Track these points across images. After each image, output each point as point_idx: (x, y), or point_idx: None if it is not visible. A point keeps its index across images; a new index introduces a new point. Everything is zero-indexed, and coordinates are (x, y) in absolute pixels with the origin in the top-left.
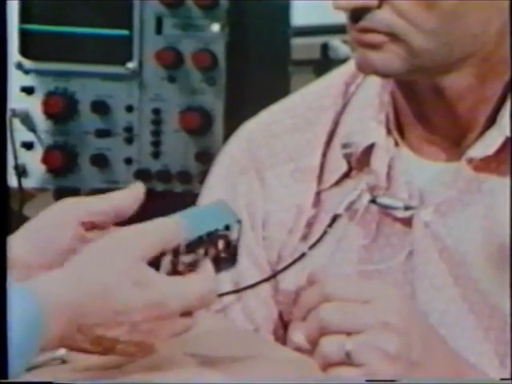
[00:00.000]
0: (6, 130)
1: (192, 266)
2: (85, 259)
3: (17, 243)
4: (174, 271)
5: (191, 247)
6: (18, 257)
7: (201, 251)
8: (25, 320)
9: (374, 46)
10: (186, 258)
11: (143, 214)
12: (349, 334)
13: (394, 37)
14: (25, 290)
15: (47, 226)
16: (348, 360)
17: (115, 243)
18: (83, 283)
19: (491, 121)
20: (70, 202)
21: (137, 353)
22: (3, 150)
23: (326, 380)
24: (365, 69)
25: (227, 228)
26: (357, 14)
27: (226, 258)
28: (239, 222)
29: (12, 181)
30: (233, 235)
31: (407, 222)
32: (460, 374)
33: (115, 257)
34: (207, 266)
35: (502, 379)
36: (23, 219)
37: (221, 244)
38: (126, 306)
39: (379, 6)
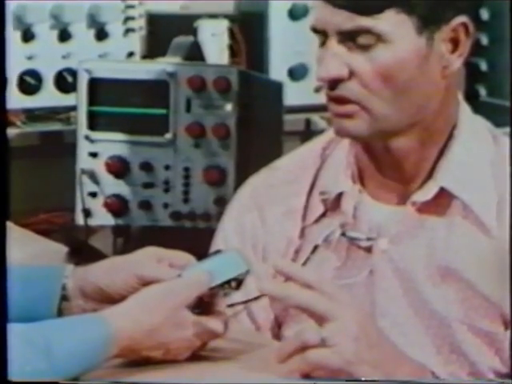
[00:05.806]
0: (76, 184)
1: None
2: (142, 303)
3: (102, 271)
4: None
5: (212, 289)
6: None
7: (219, 291)
8: (95, 341)
9: (347, 116)
10: (207, 297)
11: (179, 242)
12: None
13: (360, 105)
14: (99, 319)
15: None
16: (322, 344)
17: (164, 294)
18: (139, 323)
19: (429, 175)
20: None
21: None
22: (3, 153)
23: (327, 380)
24: (341, 133)
25: (240, 275)
26: (333, 85)
27: (235, 289)
28: (248, 271)
29: (80, 220)
30: (243, 278)
31: (368, 250)
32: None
33: (163, 305)
34: (222, 308)
35: (502, 379)
36: (89, 248)
37: (234, 284)
38: (167, 339)
39: (349, 78)
